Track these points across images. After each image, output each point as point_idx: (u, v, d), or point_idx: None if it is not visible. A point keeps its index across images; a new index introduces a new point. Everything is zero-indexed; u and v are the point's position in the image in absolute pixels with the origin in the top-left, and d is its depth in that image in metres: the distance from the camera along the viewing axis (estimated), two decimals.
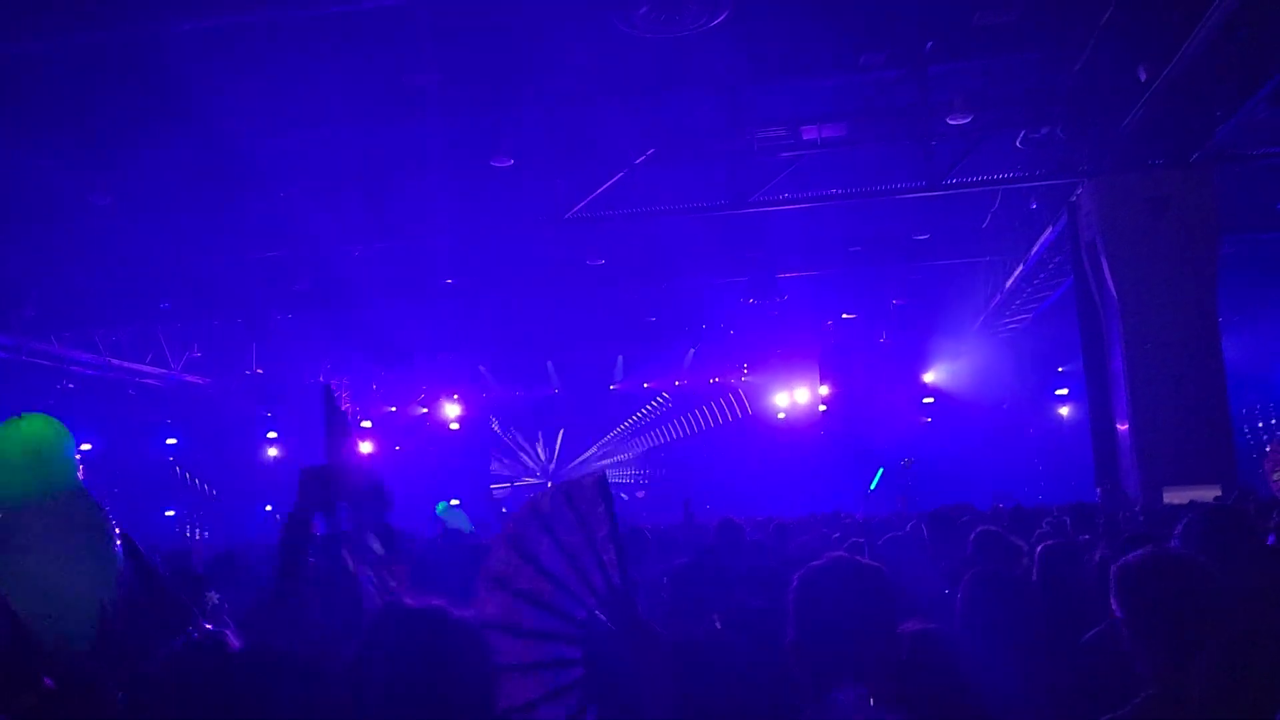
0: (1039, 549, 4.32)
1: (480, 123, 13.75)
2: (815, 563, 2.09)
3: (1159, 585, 2.50)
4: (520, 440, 28.17)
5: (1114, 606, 2.60)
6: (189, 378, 22.56)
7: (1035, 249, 15.98)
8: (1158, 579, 2.52)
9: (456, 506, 14.70)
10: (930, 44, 11.89)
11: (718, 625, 3.78)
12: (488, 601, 2.15)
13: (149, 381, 21.98)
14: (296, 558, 2.49)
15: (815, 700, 1.86)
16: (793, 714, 1.96)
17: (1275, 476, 7.60)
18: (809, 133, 13.17)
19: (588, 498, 2.18)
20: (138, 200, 14.28)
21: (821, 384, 25.04)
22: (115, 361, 20.59)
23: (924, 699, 2.04)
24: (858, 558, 2.13)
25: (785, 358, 25.51)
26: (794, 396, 26.48)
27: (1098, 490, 13.06)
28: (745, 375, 26.83)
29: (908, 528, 6.70)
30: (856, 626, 1.91)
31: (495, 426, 27.57)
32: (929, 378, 25.63)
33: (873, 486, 18.14)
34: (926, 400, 25.80)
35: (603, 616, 2.12)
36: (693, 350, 24.40)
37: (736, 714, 2.05)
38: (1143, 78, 11.05)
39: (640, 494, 24.23)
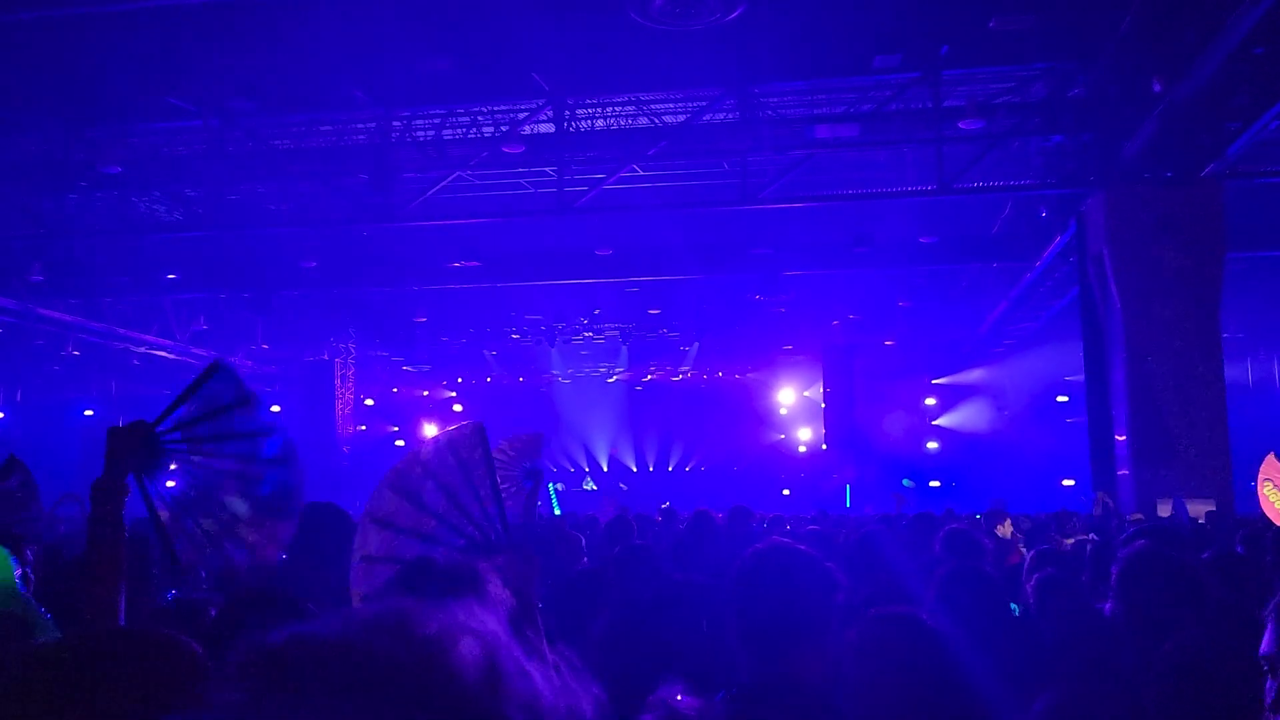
0: (1033, 580, 4.30)
1: (493, 108, 13.78)
2: (758, 545, 2.18)
3: (1151, 573, 2.78)
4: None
5: (1111, 593, 2.88)
6: (195, 350, 22.64)
7: (1043, 258, 15.97)
8: (1150, 568, 2.80)
9: None
10: (945, 48, 11.87)
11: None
12: (369, 540, 2.41)
13: (154, 353, 22.06)
14: (112, 535, 2.27)
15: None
16: None
17: (1265, 490, 7.59)
18: (821, 132, 13.16)
19: (468, 444, 2.43)
20: (148, 171, 14.34)
21: (824, 384, 25.05)
22: (121, 331, 20.66)
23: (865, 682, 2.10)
24: (798, 545, 2.20)
25: (788, 356, 25.52)
26: (796, 395, 26.51)
27: (1093, 500, 13.07)
28: (749, 372, 26.85)
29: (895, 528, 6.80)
30: (792, 607, 1.98)
31: None
32: (935, 382, 25.65)
33: (848, 504, 18.30)
34: (929, 402, 25.82)
35: (479, 537, 2.35)
36: (696, 344, 24.41)
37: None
38: (1157, 90, 11.03)
39: (623, 485, 24.43)
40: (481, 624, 0.53)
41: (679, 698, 1.42)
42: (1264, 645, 1.82)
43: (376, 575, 2.32)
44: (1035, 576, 4.18)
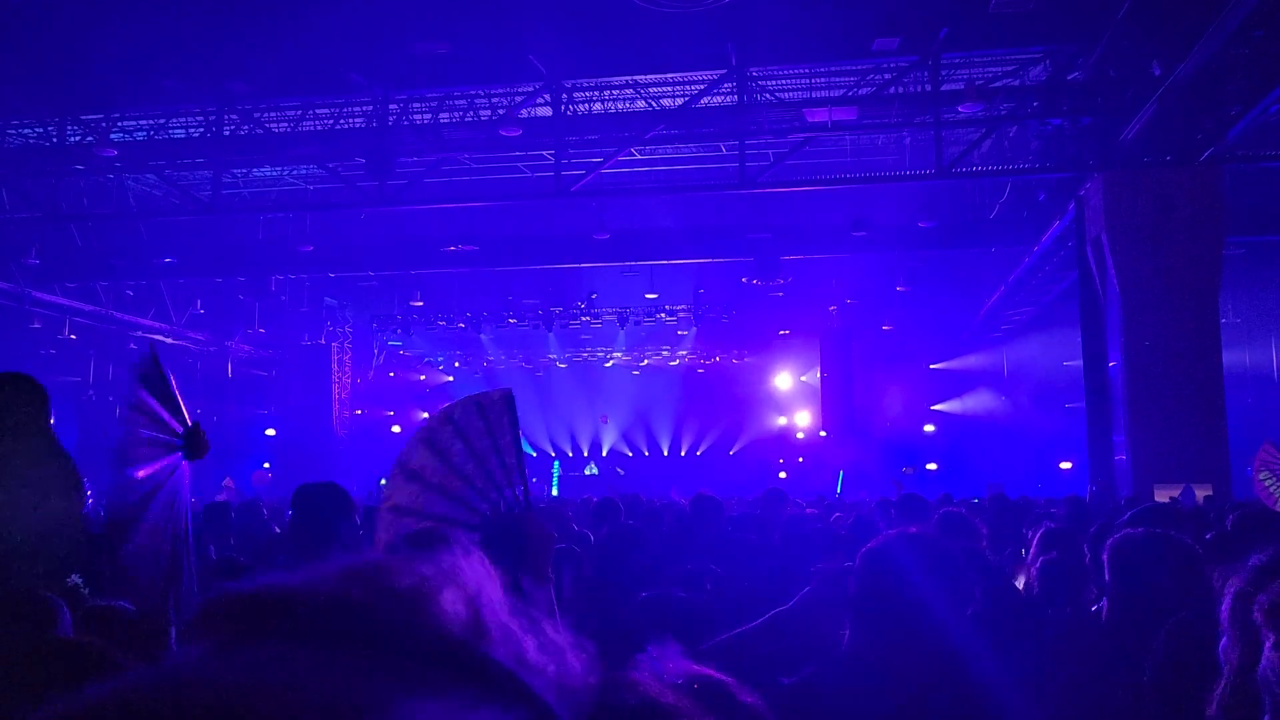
0: (1038, 564, 4.25)
1: (490, 91, 13.71)
2: (898, 531, 2.18)
3: (1146, 555, 2.71)
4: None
5: (1105, 576, 2.83)
6: (191, 333, 22.59)
7: (1042, 242, 15.93)
8: (1145, 549, 2.73)
9: None
10: (944, 31, 11.81)
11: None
12: (399, 490, 2.42)
13: (151, 337, 22.01)
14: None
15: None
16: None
17: (1260, 476, 7.58)
18: (819, 116, 13.11)
19: (496, 410, 2.42)
20: (144, 155, 14.27)
21: (822, 369, 25.03)
22: (117, 314, 20.61)
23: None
24: (942, 541, 2.18)
25: (786, 341, 25.49)
26: (793, 380, 26.50)
27: (1090, 485, 13.09)
28: (746, 357, 26.82)
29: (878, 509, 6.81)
30: (930, 603, 1.96)
31: None
32: (933, 367, 25.65)
33: (839, 491, 18.31)
34: (926, 387, 25.82)
35: (503, 507, 2.37)
36: (694, 328, 24.38)
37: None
38: (1156, 73, 11.00)
39: (620, 470, 24.55)
40: (465, 577, 0.51)
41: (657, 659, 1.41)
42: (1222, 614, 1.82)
43: (403, 526, 2.36)
44: (1040, 560, 4.14)
